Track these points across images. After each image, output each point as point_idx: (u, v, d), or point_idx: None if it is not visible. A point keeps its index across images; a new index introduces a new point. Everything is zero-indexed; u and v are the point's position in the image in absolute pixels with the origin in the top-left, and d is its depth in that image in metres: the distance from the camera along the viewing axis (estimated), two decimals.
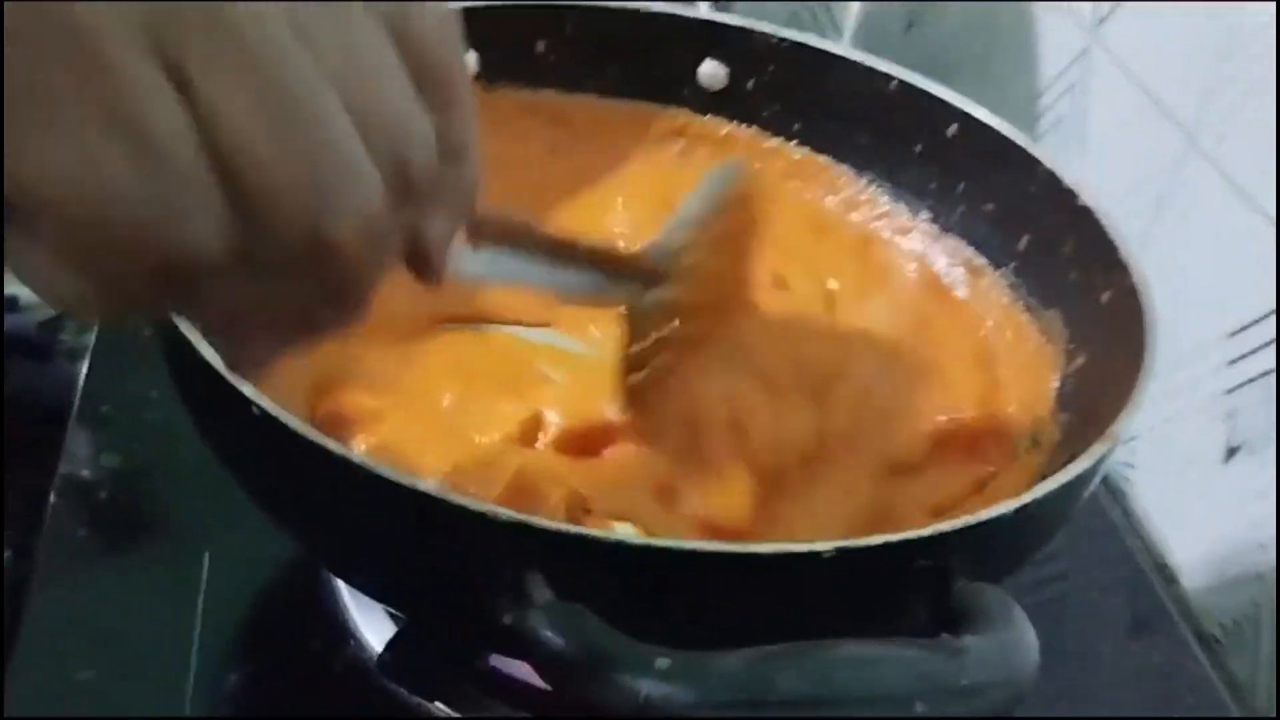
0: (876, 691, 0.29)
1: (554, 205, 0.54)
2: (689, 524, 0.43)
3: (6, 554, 0.53)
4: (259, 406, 0.35)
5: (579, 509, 0.42)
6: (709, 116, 0.59)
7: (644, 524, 0.42)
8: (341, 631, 0.48)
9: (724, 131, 0.59)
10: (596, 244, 0.42)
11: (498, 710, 0.46)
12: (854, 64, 0.56)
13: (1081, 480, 0.37)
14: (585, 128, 0.57)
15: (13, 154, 0.23)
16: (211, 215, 0.24)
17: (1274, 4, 0.54)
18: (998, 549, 0.37)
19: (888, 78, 0.55)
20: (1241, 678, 0.56)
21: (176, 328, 0.37)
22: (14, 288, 0.68)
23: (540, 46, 0.57)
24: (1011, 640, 0.31)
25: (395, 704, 0.46)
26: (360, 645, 0.48)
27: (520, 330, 0.51)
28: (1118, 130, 0.67)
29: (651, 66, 0.57)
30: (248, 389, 0.35)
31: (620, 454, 0.45)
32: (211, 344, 0.34)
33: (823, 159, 0.58)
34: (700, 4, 0.82)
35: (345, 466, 0.33)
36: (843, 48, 0.56)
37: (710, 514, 0.43)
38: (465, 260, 0.33)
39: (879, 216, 0.57)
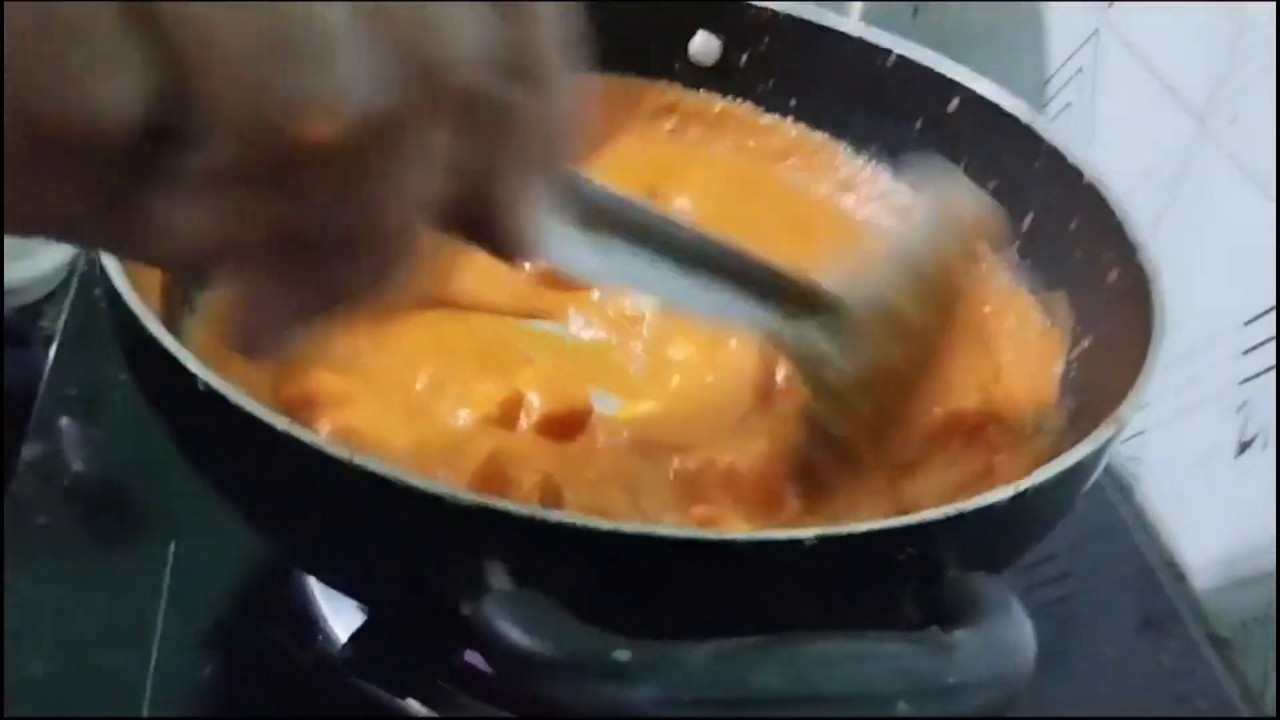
0: (856, 689, 0.26)
1: None
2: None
3: None
4: (204, 382, 0.33)
5: (553, 498, 0.40)
6: (701, 92, 0.57)
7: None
8: (311, 626, 0.46)
9: (717, 108, 0.57)
10: (748, 251, 0.33)
11: (475, 708, 0.43)
12: (852, 37, 0.54)
13: (1083, 467, 0.35)
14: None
15: None
16: (116, 67, 0.18)
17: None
18: (993, 539, 0.35)
19: (887, 51, 0.53)
20: (1254, 680, 0.54)
21: (123, 299, 0.35)
22: None
23: None
24: (1005, 634, 0.29)
25: (367, 701, 0.44)
26: (330, 640, 0.46)
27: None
28: (1128, 114, 0.66)
29: (641, 39, 0.56)
30: (193, 364, 0.33)
31: (601, 443, 0.42)
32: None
33: (819, 136, 0.56)
34: None
35: (292, 444, 0.31)
36: (839, 21, 0.54)
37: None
38: (556, 239, 0.26)
39: (879, 196, 0.55)
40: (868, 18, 0.92)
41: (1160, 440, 0.61)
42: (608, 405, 0.44)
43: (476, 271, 0.49)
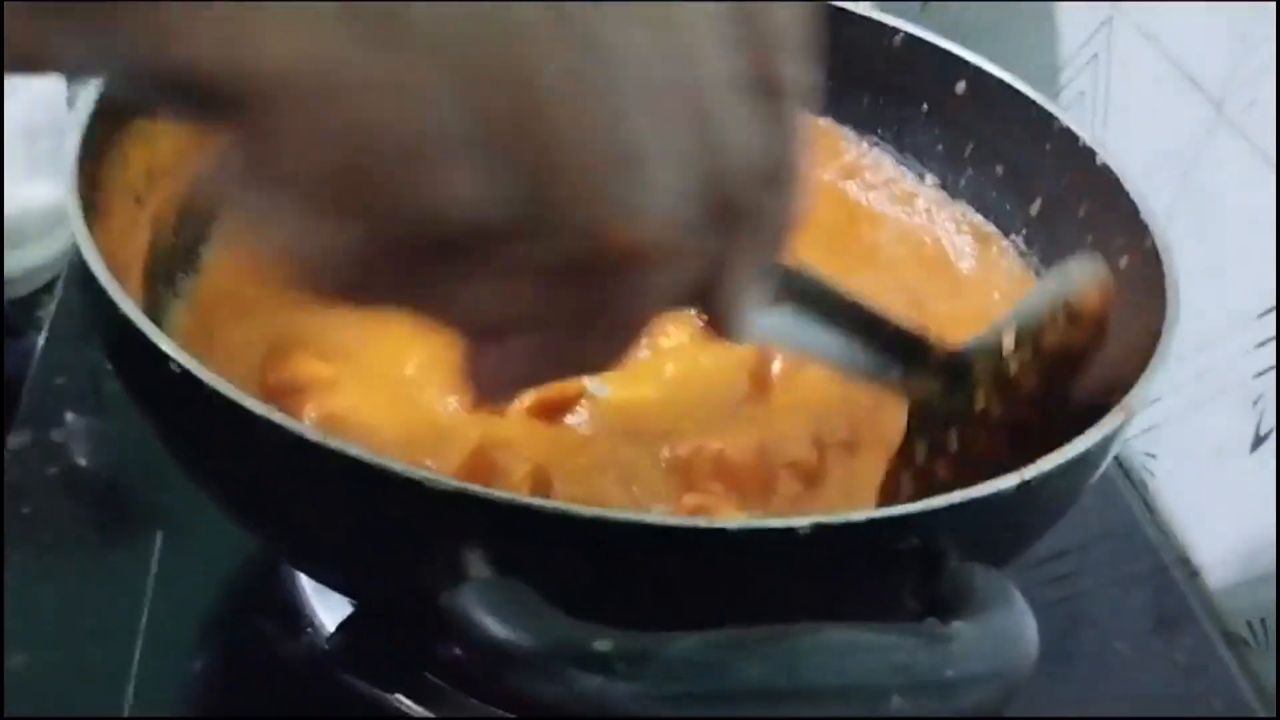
0: (847, 683, 0.25)
1: None
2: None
3: None
4: (179, 364, 0.31)
5: (544, 488, 0.39)
6: None
7: None
8: (299, 618, 0.45)
9: None
10: (904, 325, 0.37)
11: (463, 704, 0.42)
12: (856, 17, 0.53)
13: (1090, 456, 0.34)
14: None
15: (251, 45, 0.20)
16: (483, 175, 0.21)
17: None
18: (997, 530, 0.33)
19: (892, 31, 0.52)
20: (1269, 679, 0.53)
21: (99, 282, 0.34)
22: None
23: None
24: (1005, 627, 0.27)
25: (354, 696, 0.43)
26: (318, 632, 0.45)
27: None
28: (1142, 101, 0.65)
29: None
30: (167, 345, 0.32)
31: (591, 427, 0.41)
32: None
33: (823, 121, 0.55)
34: None
35: (266, 428, 0.30)
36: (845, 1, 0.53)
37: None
38: (758, 315, 0.28)
39: (884, 183, 0.54)
40: (877, 9, 0.91)
41: (1173, 435, 0.60)
42: (599, 389, 0.43)
43: None
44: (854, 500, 0.42)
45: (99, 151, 0.40)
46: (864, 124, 0.54)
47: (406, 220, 0.22)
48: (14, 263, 0.68)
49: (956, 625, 0.27)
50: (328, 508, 0.32)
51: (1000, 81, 0.49)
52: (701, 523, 0.31)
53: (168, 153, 0.44)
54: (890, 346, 0.36)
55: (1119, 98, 0.66)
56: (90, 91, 0.40)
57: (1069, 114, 0.48)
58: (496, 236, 0.22)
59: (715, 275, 0.25)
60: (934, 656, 0.26)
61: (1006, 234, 0.50)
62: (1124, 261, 0.43)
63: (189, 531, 0.48)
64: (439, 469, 0.37)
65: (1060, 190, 0.48)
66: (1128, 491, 0.60)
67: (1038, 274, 0.49)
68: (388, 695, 0.43)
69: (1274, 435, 0.53)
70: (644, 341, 0.45)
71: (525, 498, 0.30)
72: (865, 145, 0.54)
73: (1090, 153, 0.46)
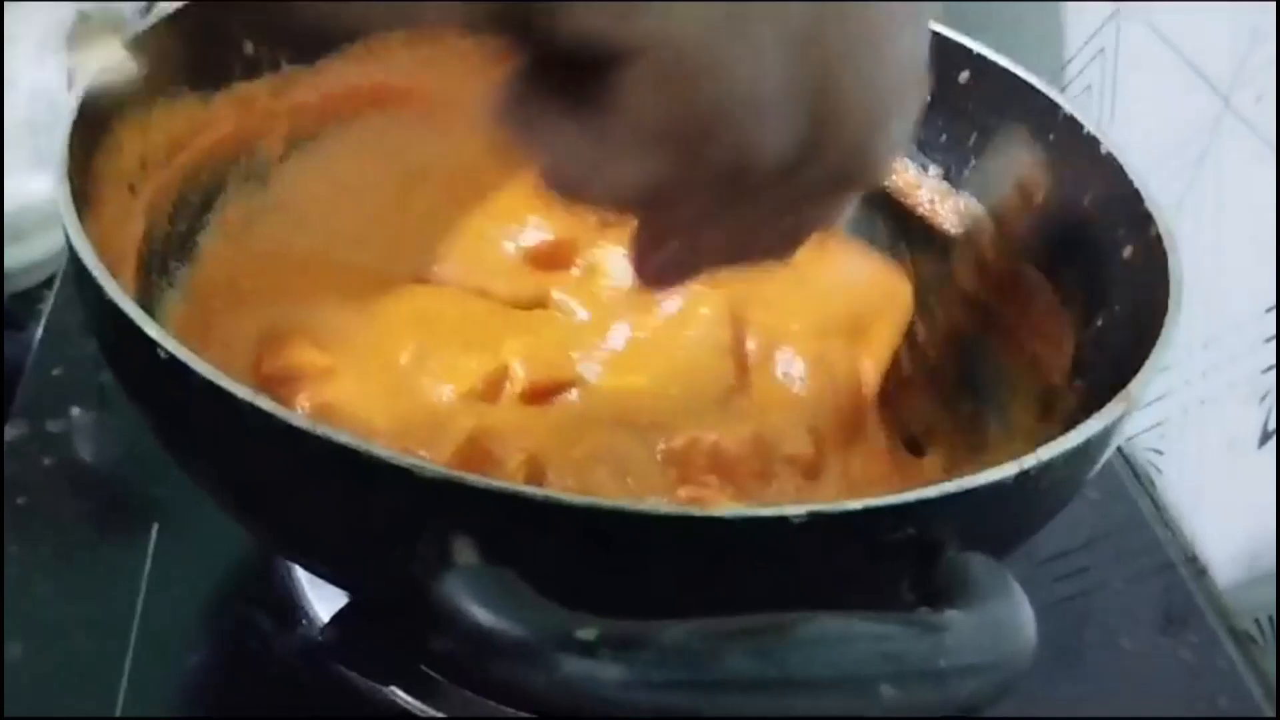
0: (837, 673, 0.24)
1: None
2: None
3: None
4: (165, 350, 0.31)
5: (538, 479, 0.39)
6: None
7: None
8: (294, 611, 0.45)
9: None
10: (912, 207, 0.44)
11: (459, 697, 0.42)
12: None
13: (1091, 445, 0.33)
14: None
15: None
16: (789, 121, 0.26)
17: None
18: (996, 520, 0.33)
19: None
20: (1274, 676, 0.52)
21: (89, 271, 0.33)
22: None
23: None
24: (1001, 617, 0.27)
25: (349, 689, 0.43)
26: (313, 624, 0.45)
27: None
28: (1150, 94, 0.65)
29: None
30: (154, 330, 0.31)
31: (584, 413, 0.41)
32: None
33: None
34: None
35: (253, 414, 0.30)
36: None
37: None
38: None
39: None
40: None
41: (1181, 431, 0.60)
42: (591, 372, 0.43)
43: (462, 251, 0.48)
44: (854, 494, 0.41)
45: (92, 140, 0.40)
46: None
47: (727, 158, 0.26)
48: (16, 256, 0.68)
49: (951, 615, 0.26)
50: (316, 496, 0.32)
51: (1004, 70, 0.49)
52: (695, 511, 0.31)
53: (162, 142, 0.44)
54: (900, 225, 0.41)
55: (1126, 91, 0.66)
56: (82, 82, 0.39)
57: (1072, 102, 0.47)
58: (781, 169, 0.27)
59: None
60: (927, 646, 0.25)
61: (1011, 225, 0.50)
62: (1128, 251, 0.43)
63: (185, 524, 0.48)
64: (433, 459, 0.37)
65: (1065, 180, 0.47)
66: (1134, 488, 0.59)
67: (1041, 265, 0.48)
68: (383, 688, 0.42)
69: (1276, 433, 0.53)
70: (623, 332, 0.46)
71: (515, 485, 0.29)
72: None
73: (1094, 141, 0.45)
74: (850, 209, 0.31)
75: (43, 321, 0.57)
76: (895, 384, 0.45)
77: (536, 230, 0.48)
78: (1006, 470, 0.31)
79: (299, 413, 0.30)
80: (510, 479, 0.38)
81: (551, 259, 0.47)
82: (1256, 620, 0.54)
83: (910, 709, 0.25)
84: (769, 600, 0.28)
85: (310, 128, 0.50)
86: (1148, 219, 0.41)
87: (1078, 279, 0.46)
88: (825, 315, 0.47)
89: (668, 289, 0.31)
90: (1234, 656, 0.51)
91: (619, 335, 0.45)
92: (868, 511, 0.30)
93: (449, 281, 0.47)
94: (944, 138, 0.52)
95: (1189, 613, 0.53)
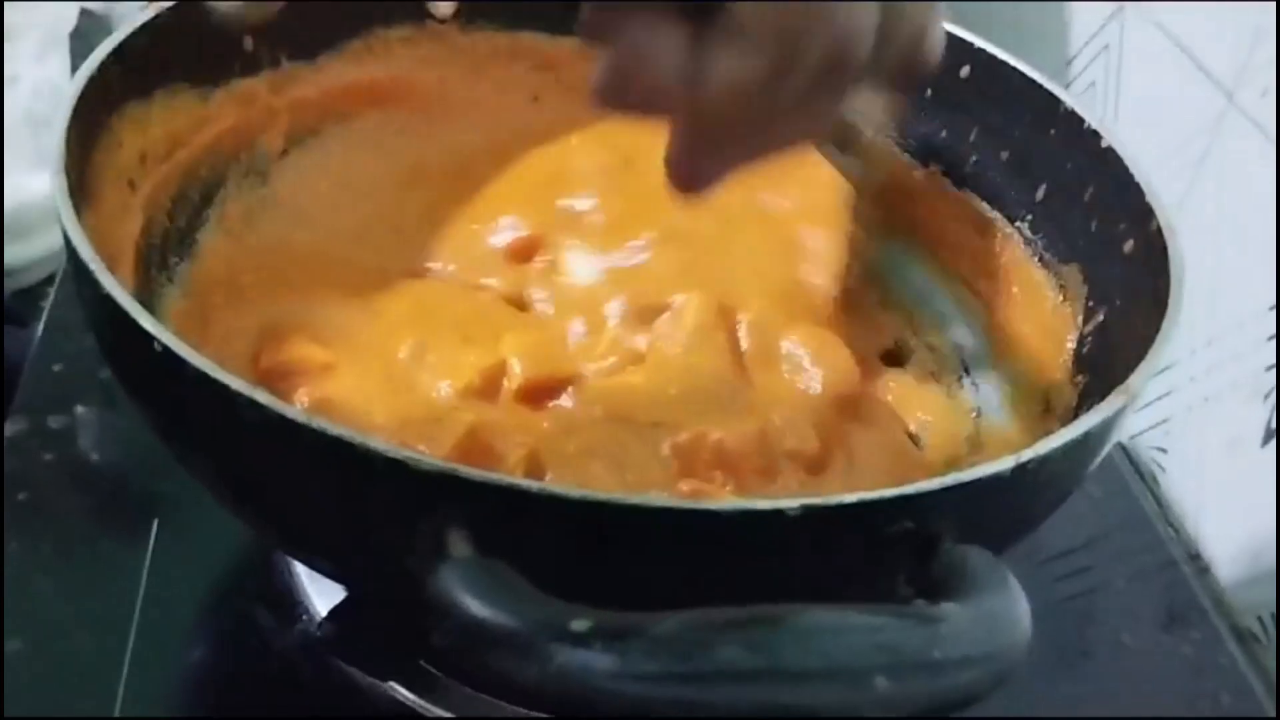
0: (830, 664, 0.24)
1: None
2: None
3: None
4: (161, 343, 0.31)
5: (537, 474, 0.39)
6: None
7: None
8: (294, 606, 0.45)
9: None
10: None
11: (458, 693, 0.42)
12: None
13: (1090, 438, 0.33)
14: (570, 74, 0.53)
15: None
16: (872, 13, 0.28)
17: None
18: (995, 514, 0.33)
19: None
20: (1277, 675, 0.52)
21: (87, 266, 0.33)
22: None
23: None
24: (996, 609, 0.27)
25: (348, 684, 0.43)
26: (313, 620, 0.44)
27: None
28: (1154, 91, 0.64)
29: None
30: (149, 324, 0.31)
31: (581, 410, 0.41)
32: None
33: None
34: None
35: (248, 407, 0.30)
36: None
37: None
38: None
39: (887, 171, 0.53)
40: None
41: (1184, 429, 0.59)
42: (589, 370, 0.43)
43: (448, 242, 0.48)
44: (858, 488, 0.41)
45: (91, 135, 0.40)
46: None
47: (830, 50, 0.27)
48: (19, 253, 0.68)
49: (946, 607, 0.26)
50: (312, 489, 0.32)
51: (1005, 65, 0.49)
52: (690, 504, 0.30)
53: (161, 137, 0.44)
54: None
55: (1130, 88, 0.66)
56: (79, 76, 0.39)
57: (1073, 97, 0.47)
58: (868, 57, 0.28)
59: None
60: (921, 638, 0.25)
61: (1012, 220, 0.50)
62: (1129, 245, 0.42)
63: (185, 520, 0.48)
64: (432, 454, 0.37)
65: (1065, 175, 0.47)
66: (1137, 486, 0.59)
67: (1043, 261, 0.48)
68: (381, 683, 0.42)
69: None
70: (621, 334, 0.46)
71: (509, 478, 0.29)
72: (868, 133, 0.54)
73: (1095, 136, 0.45)
74: None
75: (43, 318, 0.56)
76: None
77: (511, 229, 0.48)
78: (1004, 463, 0.31)
79: (298, 408, 0.30)
80: (509, 474, 0.38)
81: (523, 254, 0.47)
82: (1259, 618, 0.54)
83: (904, 700, 0.24)
84: (765, 593, 0.27)
85: (310, 124, 0.50)
86: (1149, 213, 0.41)
87: (1079, 276, 0.46)
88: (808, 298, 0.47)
89: (702, 192, 0.31)
90: (1236, 654, 0.51)
91: (617, 336, 0.45)
92: (863, 505, 0.30)
93: (442, 277, 0.47)
94: (944, 133, 0.52)
95: (1191, 610, 0.53)
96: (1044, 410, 0.44)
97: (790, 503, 0.29)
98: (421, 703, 0.42)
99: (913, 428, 0.47)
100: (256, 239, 0.47)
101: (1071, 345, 0.45)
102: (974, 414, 0.49)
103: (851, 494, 0.29)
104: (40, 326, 0.56)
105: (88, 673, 0.43)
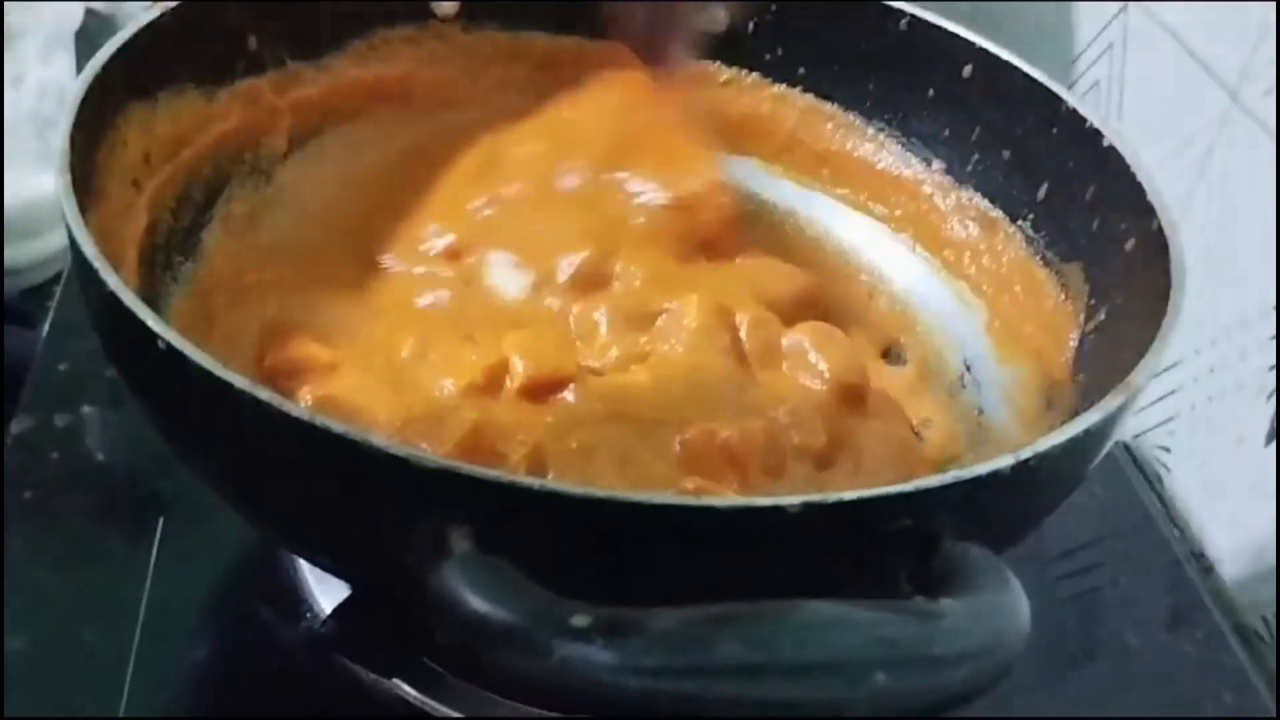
0: (829, 659, 0.24)
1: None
2: None
3: None
4: (165, 341, 0.31)
5: (540, 473, 0.39)
6: (708, 62, 0.55)
7: None
8: (299, 604, 0.45)
9: (724, 78, 0.55)
10: None
11: (462, 690, 0.42)
12: (862, 2, 0.52)
13: (1091, 436, 0.33)
14: (573, 74, 0.53)
15: None
16: None
17: None
18: (995, 511, 0.32)
19: (898, 14, 0.51)
20: (1277, 673, 0.52)
21: (90, 264, 0.33)
22: None
23: None
24: (995, 606, 0.27)
25: (352, 682, 0.43)
26: (317, 620, 0.45)
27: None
28: (1157, 90, 0.64)
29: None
30: (154, 322, 0.32)
31: (584, 408, 0.41)
32: None
33: (829, 107, 0.54)
34: None
35: (251, 404, 0.30)
36: None
37: None
38: None
39: (890, 169, 0.53)
40: None
41: (1188, 428, 0.59)
42: (591, 369, 0.43)
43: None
44: (865, 484, 0.41)
45: (95, 135, 0.40)
46: (870, 109, 0.54)
47: None
48: (26, 253, 0.68)
49: (945, 603, 0.26)
50: (315, 487, 0.32)
51: (1007, 64, 0.49)
52: (691, 501, 0.31)
53: (166, 137, 0.44)
54: None
55: (1134, 87, 0.66)
56: (83, 75, 0.40)
57: (1075, 95, 0.47)
58: None
59: None
60: (920, 633, 0.25)
61: (1014, 219, 0.50)
62: (1130, 244, 0.43)
63: (190, 518, 0.48)
64: (435, 452, 0.37)
65: (1067, 173, 0.47)
66: (1142, 486, 0.59)
67: (1045, 260, 0.48)
68: (386, 680, 0.42)
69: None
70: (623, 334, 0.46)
71: (511, 475, 0.29)
72: (872, 131, 0.54)
73: (1097, 134, 0.45)
74: None
75: (49, 317, 0.57)
76: None
77: (440, 237, 0.48)
78: (1004, 461, 0.31)
79: (301, 406, 0.30)
80: (512, 472, 0.38)
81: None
82: (1264, 617, 0.54)
83: (903, 695, 0.25)
84: (766, 590, 0.27)
85: (314, 124, 0.50)
86: (1150, 212, 0.41)
87: (1081, 274, 0.46)
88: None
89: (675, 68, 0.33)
90: (1240, 653, 0.51)
91: (619, 336, 0.45)
92: (863, 502, 0.30)
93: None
94: (947, 132, 0.52)
95: (1195, 609, 0.53)
96: (1045, 408, 0.44)
97: (791, 500, 0.29)
98: (426, 700, 0.42)
99: (914, 426, 0.47)
100: (260, 238, 0.47)
101: (1073, 343, 0.45)
102: (976, 412, 0.49)
103: (851, 492, 0.29)
104: (46, 326, 0.56)
105: (93, 671, 0.43)
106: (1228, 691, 0.50)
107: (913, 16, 0.51)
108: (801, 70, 0.54)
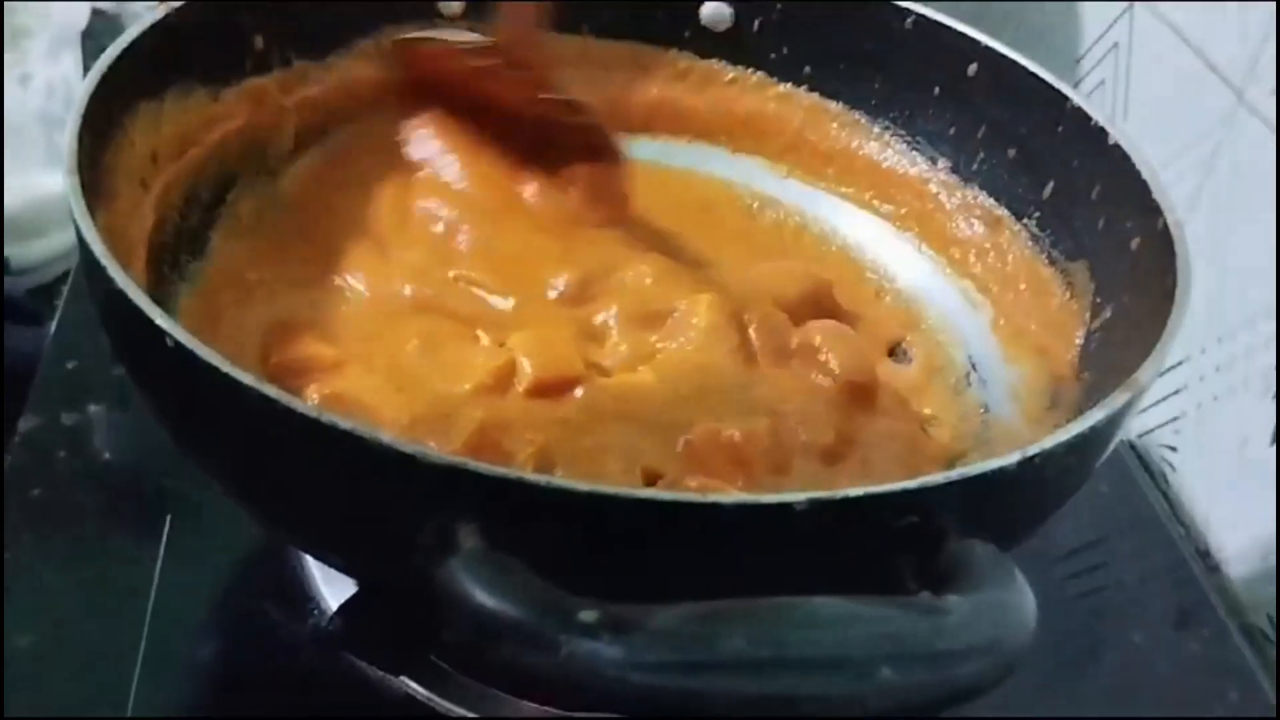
0: (835, 654, 0.25)
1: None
2: None
3: None
4: (173, 339, 0.31)
5: (548, 471, 0.39)
6: (712, 61, 0.55)
7: None
8: (306, 602, 0.45)
9: (729, 77, 0.55)
10: None
11: (469, 687, 0.42)
12: (867, 1, 0.52)
13: (1096, 434, 0.33)
14: (579, 73, 0.53)
15: None
16: None
17: None
18: (1001, 508, 0.33)
19: (904, 13, 0.51)
20: (1277, 672, 0.52)
21: (99, 262, 0.34)
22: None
23: None
24: (1000, 601, 0.27)
25: (359, 679, 0.43)
26: (324, 617, 0.45)
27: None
28: (1163, 90, 0.64)
29: (649, 4, 0.54)
30: (162, 320, 0.32)
31: (592, 409, 0.41)
32: None
33: (834, 106, 0.54)
34: None
35: (258, 401, 0.30)
36: None
37: None
38: None
39: (895, 167, 0.53)
40: None
41: (1194, 427, 0.59)
42: (598, 368, 0.43)
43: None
44: (872, 480, 0.41)
45: (102, 134, 0.40)
46: (876, 108, 0.54)
47: None
48: (35, 251, 0.69)
49: (951, 599, 0.26)
50: (322, 483, 0.32)
51: (1012, 63, 0.49)
52: (698, 498, 0.31)
53: (173, 136, 0.44)
54: None
55: (1140, 86, 0.66)
56: (91, 75, 0.40)
57: (1080, 94, 0.47)
58: None
59: None
60: (925, 629, 0.25)
61: (1019, 218, 0.50)
62: (1135, 243, 0.43)
63: (198, 516, 0.48)
64: (443, 450, 0.37)
65: (1073, 172, 0.47)
66: (1147, 485, 0.59)
67: (1050, 259, 0.48)
68: (393, 678, 0.42)
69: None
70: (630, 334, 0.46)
71: (518, 472, 0.29)
72: (877, 129, 0.54)
73: (1102, 133, 0.45)
74: None
75: (56, 316, 0.57)
76: None
77: None
78: (1009, 458, 0.31)
79: (309, 403, 0.30)
80: (520, 469, 0.38)
81: None
82: (1269, 615, 0.54)
83: (909, 690, 0.25)
84: (772, 586, 0.28)
85: (320, 123, 0.51)
86: (1156, 210, 0.41)
87: (1087, 273, 0.46)
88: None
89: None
90: (1246, 652, 0.51)
91: (626, 336, 0.45)
92: (870, 499, 0.30)
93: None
94: (952, 130, 0.52)
95: (1201, 608, 0.53)
96: (1051, 406, 0.44)
97: (796, 497, 0.29)
98: (433, 697, 0.42)
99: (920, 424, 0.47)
100: (266, 237, 0.48)
101: (1079, 341, 0.45)
102: (981, 410, 0.49)
103: (857, 488, 0.30)
104: (54, 324, 0.56)
105: (101, 669, 0.43)
106: (1233, 690, 0.50)
107: (918, 15, 0.51)
108: (807, 69, 0.55)
